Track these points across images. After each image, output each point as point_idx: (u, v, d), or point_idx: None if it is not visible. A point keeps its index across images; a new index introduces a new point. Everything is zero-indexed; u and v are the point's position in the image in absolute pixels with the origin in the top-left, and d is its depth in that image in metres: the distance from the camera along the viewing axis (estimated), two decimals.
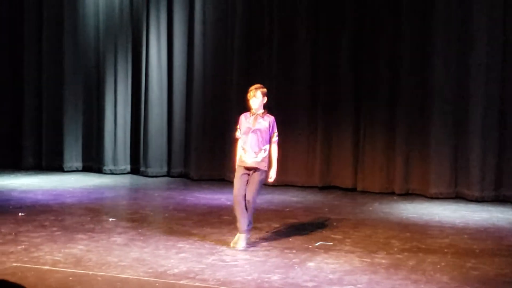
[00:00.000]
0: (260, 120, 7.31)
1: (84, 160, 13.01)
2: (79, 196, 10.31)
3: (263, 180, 7.30)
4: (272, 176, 7.38)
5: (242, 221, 7.20)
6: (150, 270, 6.36)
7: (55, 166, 12.84)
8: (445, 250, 7.35)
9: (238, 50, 11.95)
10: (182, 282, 6.02)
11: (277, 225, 8.45)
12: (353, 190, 11.18)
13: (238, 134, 7.44)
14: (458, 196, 10.59)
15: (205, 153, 12.21)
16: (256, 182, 7.21)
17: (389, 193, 10.89)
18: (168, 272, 6.32)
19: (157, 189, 11.21)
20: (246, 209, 7.21)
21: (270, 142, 7.33)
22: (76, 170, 12.85)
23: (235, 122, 12.04)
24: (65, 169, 12.76)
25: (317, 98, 11.53)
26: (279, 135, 7.46)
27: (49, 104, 12.98)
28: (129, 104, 12.81)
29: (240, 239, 7.22)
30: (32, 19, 13.02)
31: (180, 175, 12.42)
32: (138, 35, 12.70)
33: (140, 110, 12.66)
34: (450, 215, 9.36)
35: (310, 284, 6.02)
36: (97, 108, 12.93)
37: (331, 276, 6.27)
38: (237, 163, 7.35)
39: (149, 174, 12.41)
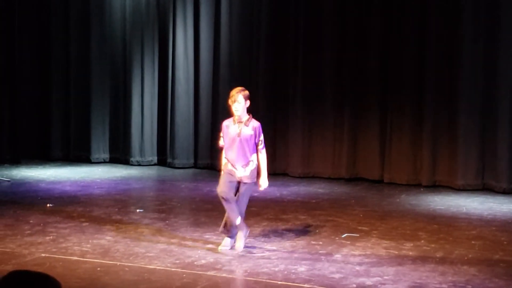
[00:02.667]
0: (244, 128, 6.75)
1: (111, 151, 13.09)
2: (107, 188, 10.39)
3: (251, 192, 6.94)
4: (263, 184, 6.92)
5: (238, 218, 6.71)
6: (177, 261, 6.40)
7: (83, 157, 12.95)
8: (473, 242, 7.30)
9: (264, 43, 11.94)
10: (209, 273, 6.06)
11: (303, 217, 8.45)
12: (380, 181, 11.13)
13: (221, 142, 6.95)
14: (485, 188, 10.48)
15: None
16: (246, 195, 6.81)
17: (416, 185, 10.82)
18: (195, 263, 6.36)
19: (183, 181, 11.26)
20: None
21: (256, 151, 6.81)
22: (103, 162, 12.93)
23: (260, 114, 12.22)
24: (93, 161, 12.86)
25: (343, 89, 11.48)
26: (265, 141, 7.02)
27: (77, 96, 13.09)
28: (155, 96, 12.86)
29: (239, 240, 6.77)
30: (59, 13, 13.11)
31: (206, 167, 12.45)
32: (164, 28, 12.74)
33: (166, 102, 12.71)
34: (478, 207, 9.28)
35: (336, 275, 6.01)
36: (124, 100, 13.00)
37: (357, 267, 6.26)
38: (223, 169, 6.89)
39: (176, 166, 12.46)
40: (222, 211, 8.69)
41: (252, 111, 11.99)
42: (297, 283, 5.80)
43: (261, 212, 8.71)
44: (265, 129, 12.01)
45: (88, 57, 12.96)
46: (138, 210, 8.69)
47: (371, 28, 11.17)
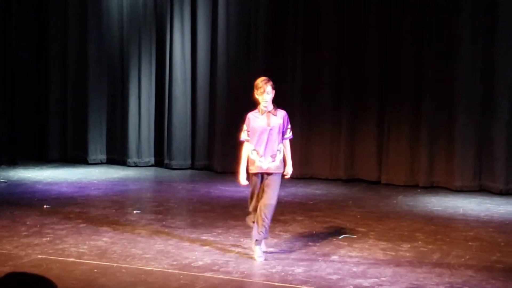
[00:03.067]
0: (273, 117, 6.60)
1: (108, 152, 13.08)
2: (104, 189, 10.38)
3: (280, 182, 6.72)
4: (289, 172, 6.79)
5: (265, 229, 6.55)
6: (174, 263, 6.39)
7: (80, 158, 12.93)
8: (470, 243, 7.30)
9: (262, 43, 11.94)
10: (206, 274, 6.05)
11: (301, 218, 8.45)
12: (377, 183, 11.13)
13: (244, 136, 6.66)
14: (482, 189, 10.49)
15: (229, 146, 12.21)
16: (276, 186, 6.57)
17: (413, 186, 10.82)
18: (192, 264, 6.35)
19: (181, 182, 11.25)
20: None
21: (282, 140, 6.68)
22: (101, 163, 12.91)
23: None
24: (90, 162, 12.84)
25: (341, 90, 11.48)
26: (292, 129, 6.93)
27: (74, 97, 13.07)
28: (153, 97, 12.85)
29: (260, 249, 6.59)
30: (58, 13, 13.10)
31: (204, 168, 12.45)
32: (162, 28, 12.73)
33: (164, 103, 12.71)
34: (475, 208, 9.29)
35: (334, 277, 6.01)
36: (121, 101, 12.99)
37: (355, 269, 6.26)
38: (249, 168, 6.58)
39: (173, 167, 12.45)
40: (219, 213, 8.72)
41: (249, 111, 12.10)
42: (294, 284, 5.80)
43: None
44: None
45: (86, 58, 12.94)
46: (135, 211, 8.68)
47: (370, 28, 11.17)
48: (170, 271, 6.15)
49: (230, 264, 6.38)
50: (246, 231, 7.68)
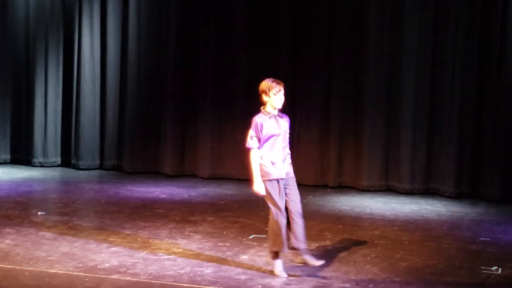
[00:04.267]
0: (280, 121, 6.18)
1: (12, 152, 12.68)
2: (7, 189, 10.03)
3: None
4: None
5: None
6: (79, 265, 6.24)
7: None
8: (376, 241, 7.47)
9: (173, 42, 11.84)
10: (112, 276, 5.93)
11: (211, 218, 8.42)
12: None
13: (254, 143, 6.10)
14: (389, 189, 10.78)
15: (139, 146, 12.07)
16: (297, 189, 6.16)
17: (322, 186, 11.00)
18: (98, 266, 6.21)
19: (89, 182, 11.00)
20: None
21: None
22: (4, 162, 12.50)
23: (169, 114, 12.10)
24: None
25: (253, 90, 11.44)
26: None
27: None
28: (60, 95, 12.54)
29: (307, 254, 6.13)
30: None
31: (113, 168, 12.23)
32: (70, 25, 12.43)
33: (72, 101, 12.41)
34: (381, 207, 9.53)
35: (243, 277, 6.02)
36: (26, 99, 12.61)
37: (264, 268, 6.28)
38: (266, 176, 6.05)
39: (81, 167, 12.17)
40: (128, 214, 8.58)
41: (160, 111, 12.00)
42: (202, 285, 5.76)
43: (168, 214, 8.62)
44: (175, 131, 12.03)
45: None
46: (39, 213, 8.43)
47: (281, 28, 11.26)
48: (75, 273, 5.99)
49: (138, 265, 6.27)
50: (155, 232, 7.60)
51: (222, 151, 11.68)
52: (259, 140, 6.10)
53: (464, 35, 10.26)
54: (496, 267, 6.53)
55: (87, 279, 5.84)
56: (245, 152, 11.46)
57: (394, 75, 10.75)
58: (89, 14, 12.22)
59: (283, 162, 6.11)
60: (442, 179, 10.48)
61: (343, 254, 6.88)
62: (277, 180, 6.06)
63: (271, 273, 6.07)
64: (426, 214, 9.10)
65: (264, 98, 6.20)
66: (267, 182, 6.04)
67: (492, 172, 10.18)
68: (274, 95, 6.13)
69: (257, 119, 6.14)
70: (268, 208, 6.10)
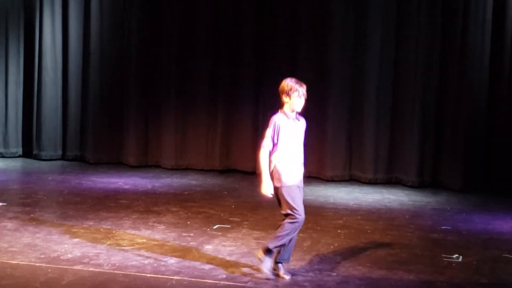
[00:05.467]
0: (298, 123, 5.86)
1: None
2: None
3: None
4: None
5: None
6: (42, 256, 6.17)
7: None
8: (339, 231, 7.54)
9: (136, 30, 11.74)
10: (75, 267, 5.88)
11: (175, 209, 8.40)
12: (252, 173, 11.25)
13: (268, 143, 5.74)
14: (352, 179, 10.88)
15: (102, 136, 11.96)
16: (302, 199, 5.87)
17: None
18: (61, 257, 6.16)
19: (51, 173, 10.88)
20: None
21: None
22: None
23: (134, 105, 12.01)
24: None
25: (217, 81, 11.51)
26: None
27: None
28: (21, 85, 12.36)
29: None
30: None
31: (75, 159, 12.11)
32: (31, 13, 12.24)
33: (33, 91, 12.23)
34: (344, 197, 9.61)
35: (207, 267, 6.02)
36: None
37: (228, 258, 6.30)
38: (285, 182, 5.71)
39: (43, 158, 12.03)
40: (91, 204, 8.51)
41: (124, 101, 11.90)
42: (166, 275, 5.75)
43: (132, 204, 8.57)
44: (138, 121, 11.93)
45: None
46: (0, 204, 8.30)
47: (246, 18, 11.24)
48: (37, 264, 5.92)
49: (101, 256, 6.23)
50: (119, 222, 7.55)
51: (186, 141, 11.65)
52: (274, 142, 5.74)
53: (426, 29, 10.40)
54: (457, 255, 6.65)
55: (49, 270, 5.78)
56: (210, 142, 11.57)
57: (358, 67, 10.83)
58: (50, 2, 12.04)
59: (299, 166, 5.83)
60: (405, 169, 10.62)
61: (306, 244, 6.92)
62: (296, 185, 5.76)
63: (258, 270, 5.81)
64: (388, 204, 9.21)
65: (284, 99, 5.80)
66: (285, 188, 5.68)
67: (453, 162, 10.35)
68: (296, 98, 5.79)
69: (276, 119, 5.75)
70: (284, 212, 5.71)
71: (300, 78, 11.12)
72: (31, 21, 12.22)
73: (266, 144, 5.74)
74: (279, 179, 5.71)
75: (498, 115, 10.27)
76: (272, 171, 5.74)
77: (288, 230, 5.69)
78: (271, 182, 5.72)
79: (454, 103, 10.34)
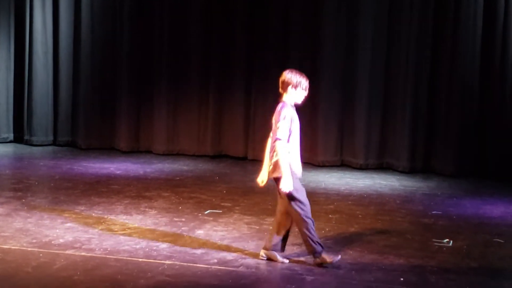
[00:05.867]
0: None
1: None
2: None
3: None
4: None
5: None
6: (34, 241, 6.17)
7: None
8: (330, 216, 7.57)
9: (127, 16, 11.68)
10: (67, 252, 5.89)
11: (167, 194, 8.40)
12: (244, 158, 11.28)
13: (287, 135, 5.67)
14: (343, 164, 10.91)
15: (93, 122, 11.92)
16: None
17: None
18: (53, 242, 6.16)
19: (42, 158, 10.85)
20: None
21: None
22: None
23: (124, 90, 11.98)
24: None
25: (209, 67, 11.48)
26: None
27: None
28: (11, 70, 12.27)
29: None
30: None
31: (67, 144, 12.08)
32: None
33: (24, 76, 12.16)
34: (336, 182, 9.64)
35: (198, 251, 6.04)
36: None
37: (219, 243, 6.32)
38: (293, 174, 5.70)
39: (34, 143, 11.98)
40: (82, 189, 8.50)
41: (115, 87, 11.85)
42: (158, 260, 5.77)
43: (123, 189, 8.57)
44: (130, 107, 11.90)
45: None
46: None
47: (238, 5, 11.20)
48: (29, 249, 5.93)
49: (92, 241, 6.24)
50: (110, 207, 7.55)
51: (177, 127, 11.63)
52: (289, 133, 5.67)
53: (418, 18, 10.41)
54: (448, 240, 6.70)
55: (41, 255, 5.79)
56: (201, 128, 11.55)
57: (351, 52, 10.83)
58: None
59: (299, 158, 5.81)
60: (396, 154, 10.65)
61: (297, 229, 6.93)
62: (298, 177, 5.76)
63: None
64: (379, 189, 9.24)
65: (290, 90, 5.79)
66: (295, 180, 5.67)
67: (444, 147, 10.39)
68: (302, 91, 5.84)
69: (288, 111, 5.70)
70: (292, 209, 5.69)
71: (290, 64, 11.17)
72: (21, 4, 12.12)
73: (284, 137, 5.62)
74: (291, 172, 5.64)
75: (489, 102, 10.31)
76: (277, 161, 5.67)
77: (307, 232, 5.69)
78: (291, 177, 5.61)
79: (446, 89, 10.37)
